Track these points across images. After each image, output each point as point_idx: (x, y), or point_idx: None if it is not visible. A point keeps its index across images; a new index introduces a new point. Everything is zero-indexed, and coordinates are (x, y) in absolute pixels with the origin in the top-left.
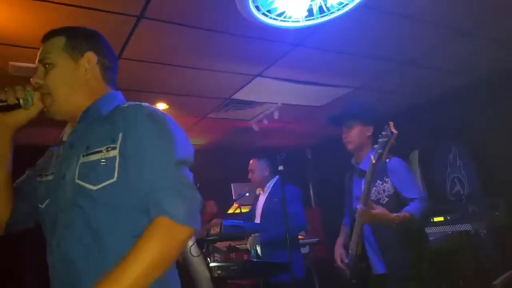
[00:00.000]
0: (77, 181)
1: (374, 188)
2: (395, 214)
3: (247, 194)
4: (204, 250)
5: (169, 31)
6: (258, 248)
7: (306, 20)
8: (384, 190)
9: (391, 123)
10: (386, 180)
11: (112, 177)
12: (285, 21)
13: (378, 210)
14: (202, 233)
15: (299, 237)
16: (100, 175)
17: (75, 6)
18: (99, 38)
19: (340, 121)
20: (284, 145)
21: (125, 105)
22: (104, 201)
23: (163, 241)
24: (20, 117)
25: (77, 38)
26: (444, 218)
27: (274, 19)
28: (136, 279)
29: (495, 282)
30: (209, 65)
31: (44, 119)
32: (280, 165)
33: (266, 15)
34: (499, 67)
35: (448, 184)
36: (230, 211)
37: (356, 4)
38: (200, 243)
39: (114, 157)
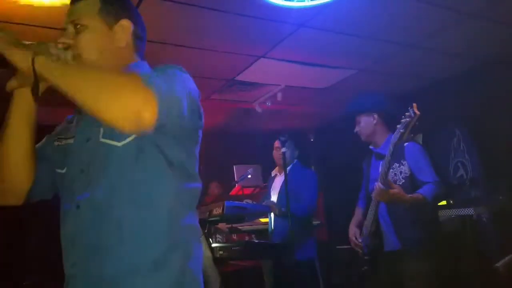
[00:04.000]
0: (101, 140)
1: (391, 169)
2: (410, 195)
3: (249, 176)
4: (206, 231)
5: (172, 10)
6: (272, 225)
7: (311, 0)
8: (401, 172)
9: (415, 105)
10: (403, 162)
11: None
12: (290, 0)
13: (396, 190)
14: (205, 214)
15: None
16: None
17: None
18: (133, 6)
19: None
20: (287, 127)
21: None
22: (131, 156)
23: (119, 76)
24: None
25: (113, 3)
26: (447, 202)
27: None
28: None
29: (497, 264)
30: (212, 45)
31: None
32: (283, 147)
33: None
34: (504, 50)
35: (451, 168)
36: (233, 193)
37: None
38: (202, 224)
39: None
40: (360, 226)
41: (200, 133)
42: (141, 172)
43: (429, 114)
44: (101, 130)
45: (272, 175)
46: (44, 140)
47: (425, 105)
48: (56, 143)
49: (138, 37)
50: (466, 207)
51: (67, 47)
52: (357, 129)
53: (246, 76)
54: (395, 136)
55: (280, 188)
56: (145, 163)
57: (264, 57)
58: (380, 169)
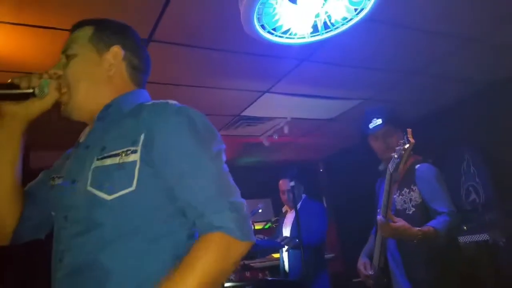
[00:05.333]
0: (88, 188)
1: (401, 196)
2: (418, 229)
3: (260, 211)
4: None
5: (178, 52)
6: (286, 266)
7: (311, 36)
8: (411, 199)
9: (409, 131)
10: (414, 188)
11: (130, 186)
12: (290, 38)
13: (399, 223)
14: None
15: None
16: (116, 183)
17: None
18: (130, 33)
19: (373, 130)
20: (295, 159)
21: (149, 103)
22: (120, 212)
23: (220, 259)
24: (33, 108)
25: (106, 30)
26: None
27: (279, 36)
28: None
29: None
30: (217, 83)
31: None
32: (291, 180)
33: (272, 33)
34: (510, 74)
35: (463, 193)
36: None
37: (361, 18)
38: None
39: (134, 162)
40: (371, 256)
41: None
42: (138, 225)
43: (437, 140)
44: (90, 175)
45: (283, 211)
46: (39, 177)
47: (433, 130)
48: (50, 182)
49: (135, 66)
50: (481, 232)
51: (56, 78)
52: (383, 142)
53: (252, 111)
54: (390, 166)
55: (292, 224)
56: (144, 215)
57: (268, 92)
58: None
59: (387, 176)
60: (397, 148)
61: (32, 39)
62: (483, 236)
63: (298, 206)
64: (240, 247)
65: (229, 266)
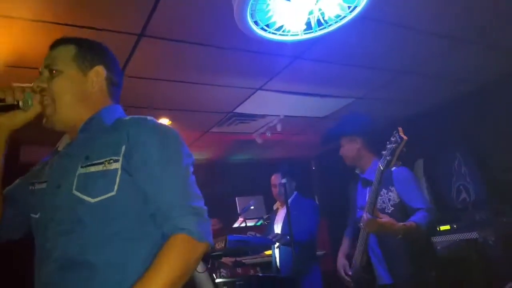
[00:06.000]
0: (74, 192)
1: (379, 197)
2: (401, 224)
3: (252, 208)
4: (209, 266)
5: (170, 48)
6: (278, 261)
7: (304, 34)
8: (389, 199)
9: (400, 129)
10: (391, 189)
11: (112, 191)
12: (284, 35)
13: (385, 219)
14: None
15: None
16: (99, 187)
17: (77, 26)
18: (108, 53)
19: (335, 141)
20: (288, 157)
21: (127, 118)
22: (102, 214)
23: (183, 258)
24: (16, 118)
25: (88, 50)
26: (450, 227)
27: (273, 33)
28: None
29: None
30: (210, 80)
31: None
32: (283, 177)
33: (265, 30)
34: (502, 74)
35: (454, 192)
36: (235, 225)
37: (354, 16)
38: (205, 259)
39: (116, 170)
40: (348, 257)
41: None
42: (118, 226)
43: (429, 139)
44: (75, 181)
45: (274, 208)
46: (16, 182)
47: (425, 130)
48: (30, 187)
49: (113, 83)
50: (471, 231)
51: (39, 91)
52: (340, 152)
53: (245, 108)
54: (381, 163)
55: (283, 221)
56: (123, 217)
57: (261, 89)
58: (367, 197)
59: (377, 174)
60: (388, 146)
61: (47, 35)
62: (473, 235)
63: (289, 201)
64: (199, 247)
65: (191, 264)
